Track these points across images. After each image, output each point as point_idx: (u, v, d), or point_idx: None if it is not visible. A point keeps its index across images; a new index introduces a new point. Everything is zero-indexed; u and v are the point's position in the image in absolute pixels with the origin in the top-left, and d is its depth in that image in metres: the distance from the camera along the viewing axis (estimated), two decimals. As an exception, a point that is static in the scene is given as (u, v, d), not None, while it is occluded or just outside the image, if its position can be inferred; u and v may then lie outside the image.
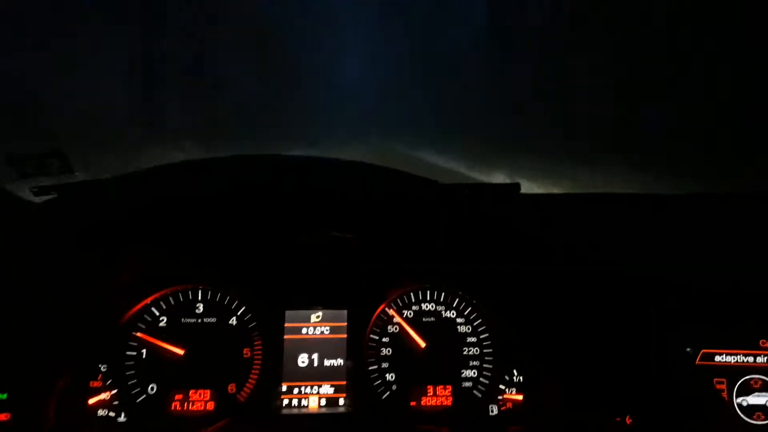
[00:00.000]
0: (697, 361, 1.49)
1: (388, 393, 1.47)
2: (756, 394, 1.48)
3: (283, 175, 1.22)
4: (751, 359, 1.50)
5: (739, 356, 1.50)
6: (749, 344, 1.51)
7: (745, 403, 1.48)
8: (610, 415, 1.37)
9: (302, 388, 1.45)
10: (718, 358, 1.50)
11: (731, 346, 1.50)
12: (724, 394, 1.48)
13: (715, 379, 1.49)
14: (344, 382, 1.46)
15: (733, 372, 1.49)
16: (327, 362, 1.47)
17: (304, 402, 1.45)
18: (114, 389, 1.41)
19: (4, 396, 1.28)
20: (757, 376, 1.49)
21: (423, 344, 1.50)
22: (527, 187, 1.77)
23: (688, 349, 1.49)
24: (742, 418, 1.47)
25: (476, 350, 1.52)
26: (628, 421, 1.37)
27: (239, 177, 1.22)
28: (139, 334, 1.44)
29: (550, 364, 1.46)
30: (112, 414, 1.40)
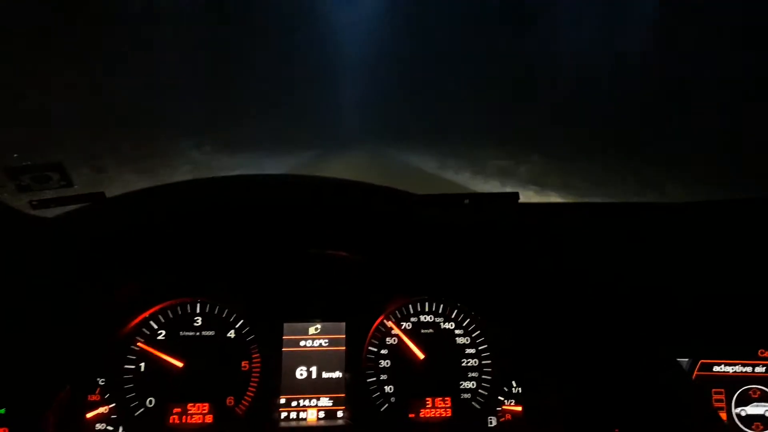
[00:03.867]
0: (695, 372, 1.49)
1: (386, 405, 1.47)
2: (754, 404, 1.48)
3: (280, 194, 1.23)
4: (749, 369, 1.50)
5: (737, 366, 1.50)
6: (748, 354, 1.51)
7: (743, 413, 1.48)
8: (609, 427, 1.37)
9: (301, 401, 1.45)
10: (716, 369, 1.50)
11: (729, 356, 1.50)
12: (723, 404, 1.48)
13: (713, 390, 1.49)
14: (343, 395, 1.46)
15: (731, 382, 1.49)
16: (325, 375, 1.47)
17: (302, 415, 1.45)
18: (112, 403, 1.40)
19: (3, 411, 1.28)
20: (755, 386, 1.49)
21: (422, 356, 1.50)
22: (526, 196, 1.77)
23: (687, 360, 1.49)
24: (740, 428, 1.48)
25: (475, 361, 1.52)
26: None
27: (237, 196, 1.24)
28: (138, 346, 1.44)
29: (549, 376, 1.46)
30: (110, 428, 1.40)
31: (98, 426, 1.40)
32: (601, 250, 1.63)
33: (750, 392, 1.49)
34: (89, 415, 1.39)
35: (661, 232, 1.67)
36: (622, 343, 1.42)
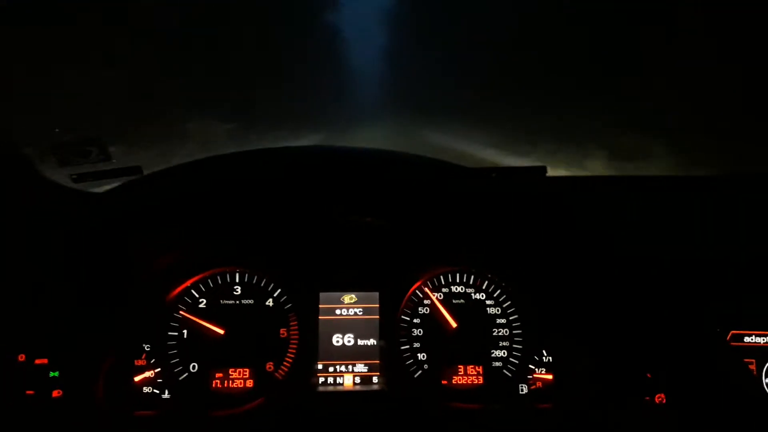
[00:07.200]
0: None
1: (420, 372, 1.51)
2: (785, 374, 1.50)
3: (318, 164, 1.26)
4: None
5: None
6: None
7: None
8: (639, 395, 1.40)
9: (337, 367, 1.50)
10: (747, 339, 1.51)
11: (761, 326, 1.51)
12: (754, 374, 1.50)
13: (744, 359, 1.50)
14: (377, 361, 1.51)
15: (762, 352, 1.50)
16: (360, 342, 1.52)
17: (339, 380, 1.50)
18: (158, 367, 1.47)
19: (57, 374, 1.35)
20: None
21: (454, 324, 1.53)
22: (553, 170, 1.78)
23: (718, 330, 1.51)
24: None
25: (506, 331, 1.55)
26: (657, 400, 1.39)
27: (277, 168, 1.26)
28: (181, 314, 1.49)
29: (579, 345, 1.48)
30: (156, 391, 1.47)
31: (145, 389, 1.46)
32: (628, 221, 1.63)
33: None
34: (137, 378, 1.46)
35: (690, 204, 1.67)
36: (652, 313, 1.43)
